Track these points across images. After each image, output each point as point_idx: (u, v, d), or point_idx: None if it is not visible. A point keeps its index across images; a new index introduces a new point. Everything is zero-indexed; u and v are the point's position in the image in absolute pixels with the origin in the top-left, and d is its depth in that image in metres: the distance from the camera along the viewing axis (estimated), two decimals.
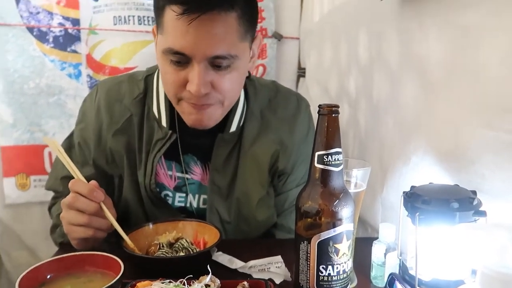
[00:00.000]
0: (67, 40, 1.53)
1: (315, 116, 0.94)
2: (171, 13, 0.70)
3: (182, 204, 0.92)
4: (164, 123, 0.87)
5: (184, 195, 0.92)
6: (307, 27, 1.56)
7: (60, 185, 0.91)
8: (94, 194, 0.74)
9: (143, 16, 1.53)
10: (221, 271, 0.70)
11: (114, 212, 0.79)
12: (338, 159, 0.56)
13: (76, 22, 1.52)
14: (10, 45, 1.48)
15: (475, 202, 0.51)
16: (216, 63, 0.74)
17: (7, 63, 1.48)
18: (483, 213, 0.50)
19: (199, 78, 0.73)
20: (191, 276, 0.60)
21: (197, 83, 0.73)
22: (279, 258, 0.75)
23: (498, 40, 0.54)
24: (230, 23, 0.72)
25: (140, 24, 1.54)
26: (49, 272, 0.62)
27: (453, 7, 0.65)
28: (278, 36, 1.61)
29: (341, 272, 0.56)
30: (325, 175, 0.56)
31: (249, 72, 0.86)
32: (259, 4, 1.60)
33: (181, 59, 0.73)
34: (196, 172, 0.91)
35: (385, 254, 0.68)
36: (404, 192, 0.57)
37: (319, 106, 0.57)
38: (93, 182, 0.77)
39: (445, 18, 0.67)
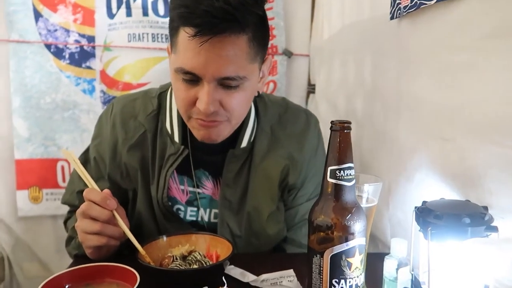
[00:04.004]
0: (82, 57, 1.57)
1: (323, 131, 0.96)
2: (184, 34, 0.72)
3: (194, 218, 0.93)
4: (176, 138, 0.89)
5: (195, 209, 0.93)
6: (317, 45, 1.58)
7: (76, 199, 0.93)
8: (107, 202, 0.76)
9: (157, 34, 1.57)
10: (233, 284, 0.71)
11: (127, 221, 0.81)
12: (350, 174, 0.57)
13: (91, 39, 1.57)
14: (28, 61, 1.52)
15: (486, 218, 0.52)
16: (225, 84, 0.76)
17: (25, 79, 1.52)
18: (494, 229, 0.51)
19: (208, 97, 0.75)
20: None
21: (206, 101, 0.75)
22: (291, 272, 0.75)
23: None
24: (241, 45, 0.74)
25: (154, 41, 1.57)
26: (67, 282, 0.64)
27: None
28: (288, 53, 1.63)
29: (353, 286, 0.57)
30: (338, 190, 0.57)
31: (258, 92, 0.88)
32: (270, 22, 1.63)
33: (192, 78, 0.76)
34: (208, 187, 0.93)
35: (396, 269, 0.68)
36: (416, 207, 0.58)
37: (332, 122, 0.58)
38: (106, 190, 0.78)
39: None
